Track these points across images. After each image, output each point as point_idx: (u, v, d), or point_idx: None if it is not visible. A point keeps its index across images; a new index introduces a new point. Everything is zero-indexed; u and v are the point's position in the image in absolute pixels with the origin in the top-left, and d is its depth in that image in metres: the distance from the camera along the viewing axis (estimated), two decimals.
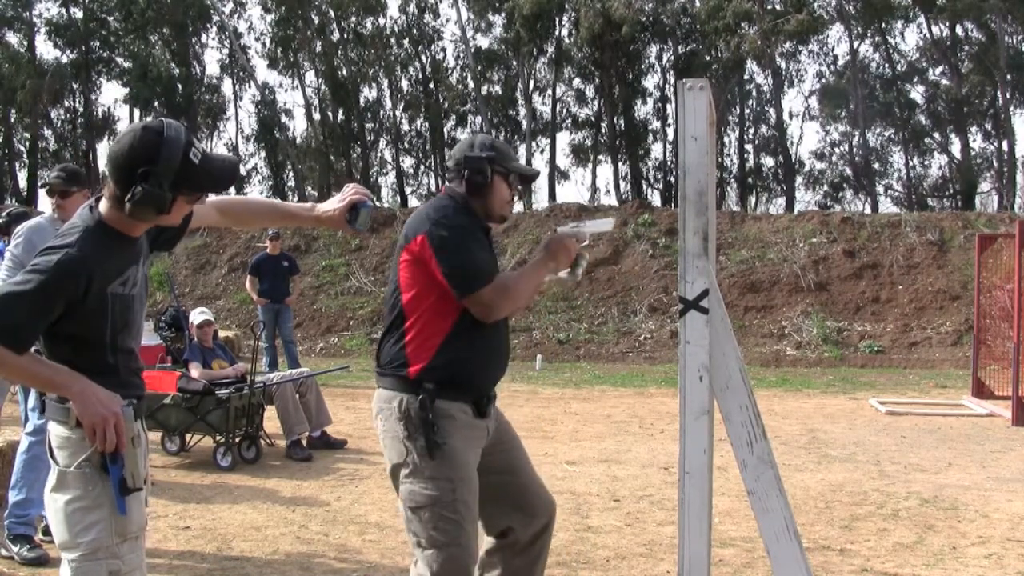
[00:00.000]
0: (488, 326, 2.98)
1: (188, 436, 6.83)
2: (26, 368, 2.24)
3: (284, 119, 31.54)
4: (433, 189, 29.99)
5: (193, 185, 2.28)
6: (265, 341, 10.92)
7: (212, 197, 2.60)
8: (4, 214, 4.97)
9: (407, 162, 30.64)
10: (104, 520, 2.27)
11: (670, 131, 27.88)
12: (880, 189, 28.27)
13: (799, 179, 28.63)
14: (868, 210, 24.97)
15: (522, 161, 3.42)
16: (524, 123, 28.49)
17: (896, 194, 28.96)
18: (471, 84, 28.76)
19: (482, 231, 3.08)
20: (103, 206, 2.33)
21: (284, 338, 11.10)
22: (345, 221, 2.72)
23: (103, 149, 27.15)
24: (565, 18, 27.43)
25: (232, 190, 31.18)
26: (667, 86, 28.12)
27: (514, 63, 28.43)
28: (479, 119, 28.74)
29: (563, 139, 30.15)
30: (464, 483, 2.92)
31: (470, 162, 3.02)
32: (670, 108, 27.83)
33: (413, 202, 28.00)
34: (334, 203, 2.73)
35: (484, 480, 3.03)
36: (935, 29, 27.08)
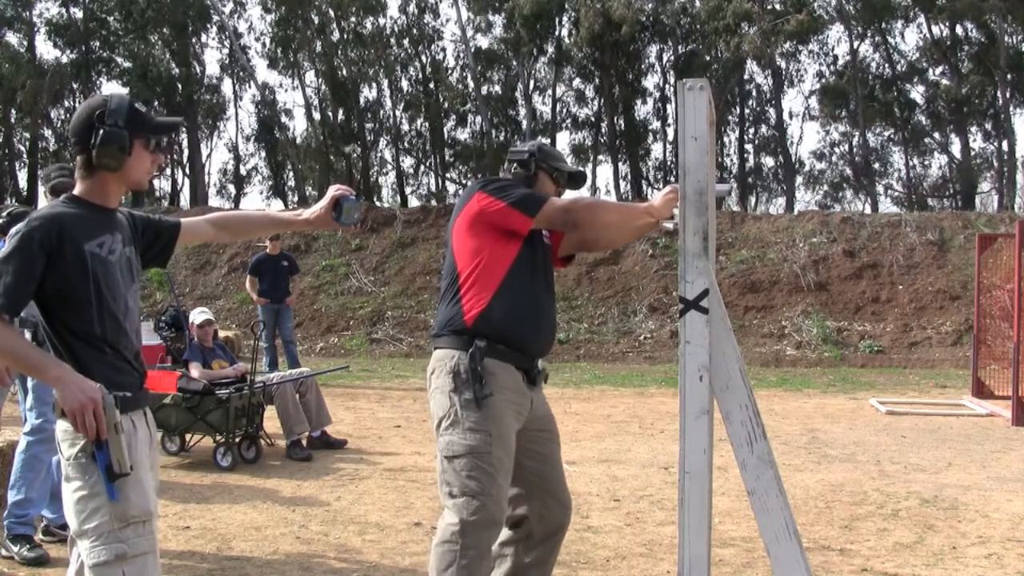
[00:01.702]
0: (537, 289, 3.18)
1: (188, 436, 6.83)
2: (11, 343, 2.32)
3: (284, 119, 31.61)
4: (433, 189, 30.04)
5: (144, 125, 2.51)
6: (265, 341, 10.93)
7: (206, 214, 2.86)
8: (4, 214, 4.95)
9: (407, 162, 30.68)
10: (104, 506, 2.34)
11: (670, 131, 27.90)
12: (880, 189, 28.31)
13: (799, 179, 28.67)
14: (868, 210, 24.98)
15: None
16: (524, 123, 28.49)
17: (896, 194, 29.00)
18: (471, 84, 28.77)
19: None
20: (76, 188, 2.55)
21: (284, 338, 11.09)
22: (332, 219, 2.83)
23: None
24: (565, 18, 27.45)
25: (231, 188, 30.97)
26: (667, 86, 28.15)
27: (514, 63, 28.43)
28: (479, 119, 28.75)
29: (563, 139, 30.15)
30: (501, 439, 3.04)
31: (513, 155, 3.40)
32: (670, 108, 27.85)
33: (413, 202, 28.02)
34: (320, 204, 2.85)
35: (518, 461, 3.16)
36: (935, 29, 27.09)
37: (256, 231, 3.08)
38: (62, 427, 2.39)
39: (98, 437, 2.30)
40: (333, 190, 2.85)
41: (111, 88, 29.79)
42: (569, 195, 3.44)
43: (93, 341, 2.42)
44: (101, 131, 2.44)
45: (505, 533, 3.28)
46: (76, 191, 2.53)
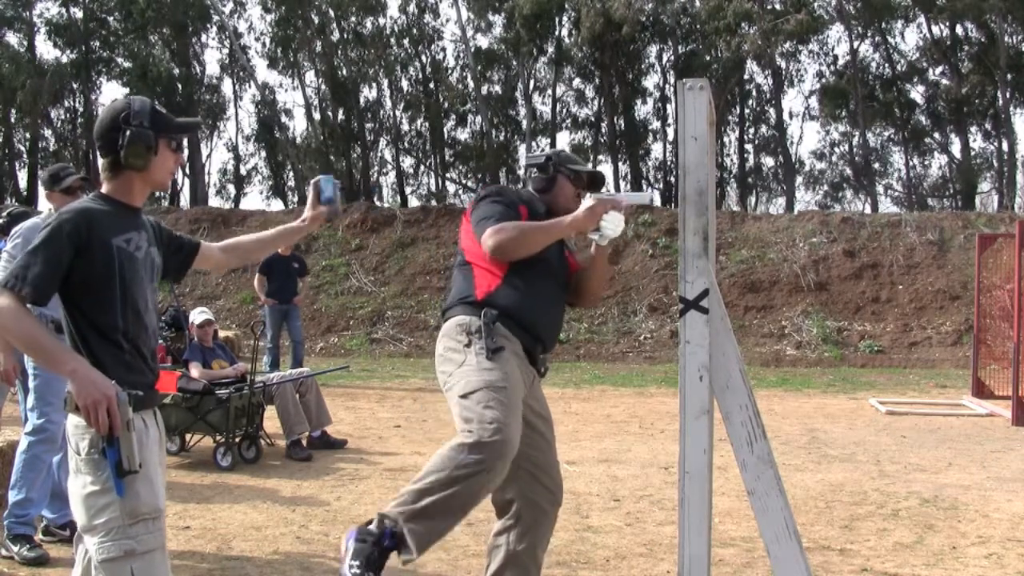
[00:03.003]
0: (546, 285, 3.26)
1: (188, 436, 6.83)
2: (32, 332, 2.34)
3: (284, 119, 31.60)
4: (433, 189, 30.04)
5: (167, 125, 2.60)
6: (269, 341, 10.94)
7: (215, 243, 3.01)
8: (4, 214, 4.97)
9: (407, 162, 30.69)
10: (115, 503, 2.36)
11: (670, 131, 27.91)
12: (880, 189, 28.32)
13: (799, 179, 28.68)
14: (868, 210, 24.99)
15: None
16: (524, 123, 28.50)
17: (896, 194, 29.01)
18: (471, 84, 28.77)
19: (532, 210, 3.34)
20: (102, 188, 2.63)
21: (294, 338, 11.13)
22: (320, 205, 3.00)
23: None
24: (565, 18, 27.45)
25: (231, 189, 30.91)
26: (667, 86, 28.16)
27: (514, 63, 28.43)
28: (479, 119, 28.75)
29: (563, 139, 30.14)
30: (513, 386, 3.03)
31: (531, 160, 3.50)
32: (670, 108, 27.86)
33: (413, 202, 28.02)
34: (308, 203, 3.04)
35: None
36: (935, 29, 27.09)
37: (264, 249, 3.15)
38: (74, 422, 2.41)
39: (110, 433, 2.32)
40: (309, 183, 3.00)
41: (112, 88, 29.84)
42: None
43: (114, 336, 2.45)
44: (128, 132, 2.51)
45: (497, 523, 3.31)
46: (103, 190, 2.60)
